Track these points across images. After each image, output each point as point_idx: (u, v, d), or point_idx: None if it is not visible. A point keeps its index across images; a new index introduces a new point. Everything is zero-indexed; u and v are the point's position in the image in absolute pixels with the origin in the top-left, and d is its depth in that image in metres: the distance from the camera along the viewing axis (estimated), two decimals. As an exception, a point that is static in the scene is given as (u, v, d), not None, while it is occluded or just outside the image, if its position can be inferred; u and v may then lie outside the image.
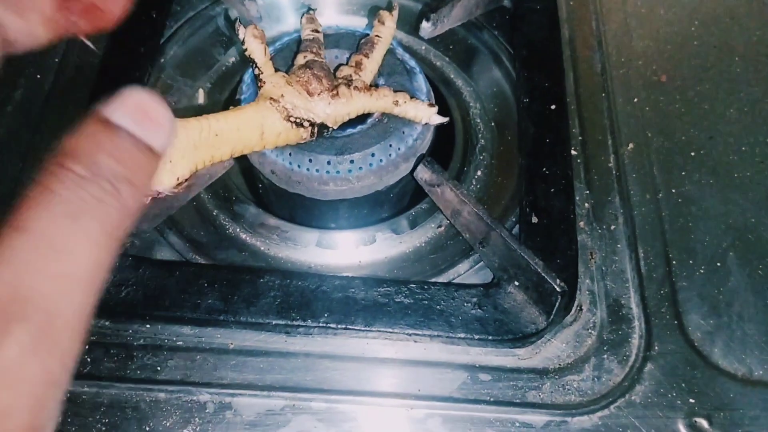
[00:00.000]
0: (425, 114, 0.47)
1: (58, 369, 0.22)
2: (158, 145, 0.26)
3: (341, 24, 0.59)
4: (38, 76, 0.53)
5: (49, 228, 0.22)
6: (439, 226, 0.50)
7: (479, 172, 0.53)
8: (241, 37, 0.45)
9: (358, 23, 0.60)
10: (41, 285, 0.22)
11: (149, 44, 0.54)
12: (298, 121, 0.43)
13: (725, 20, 0.61)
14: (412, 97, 0.48)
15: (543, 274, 0.42)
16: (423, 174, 0.48)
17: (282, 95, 0.42)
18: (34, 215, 0.22)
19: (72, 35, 0.32)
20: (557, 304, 0.42)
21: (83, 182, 0.23)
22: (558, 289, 0.41)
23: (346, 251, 0.49)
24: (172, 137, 0.27)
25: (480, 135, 0.54)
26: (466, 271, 0.48)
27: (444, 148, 0.54)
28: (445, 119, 0.48)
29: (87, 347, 0.43)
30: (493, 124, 0.55)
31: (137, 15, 0.54)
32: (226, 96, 0.55)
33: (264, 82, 0.43)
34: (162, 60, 0.56)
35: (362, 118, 0.49)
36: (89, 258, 0.23)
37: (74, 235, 0.23)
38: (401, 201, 0.52)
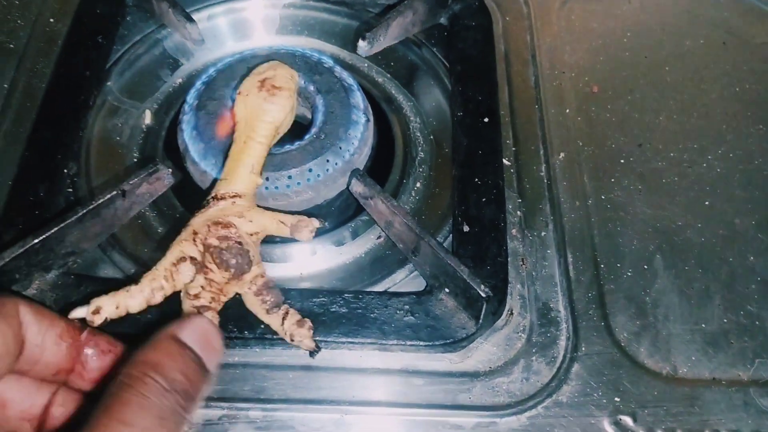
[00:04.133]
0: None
1: None
2: (212, 367, 0.34)
3: (277, 44, 0.61)
4: (-13, 101, 0.55)
5: (146, 425, 0.29)
6: (379, 237, 0.52)
7: (418, 184, 0.54)
8: None
9: (296, 42, 0.62)
10: None
11: (95, 68, 0.56)
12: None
13: (657, 31, 0.63)
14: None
15: (469, 281, 0.43)
16: (356, 187, 0.49)
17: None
18: (136, 413, 0.29)
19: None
20: (484, 309, 0.44)
21: (166, 393, 0.30)
22: (483, 294, 0.43)
23: (288, 264, 0.50)
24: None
25: (420, 148, 0.56)
26: (402, 280, 0.49)
27: (385, 161, 0.56)
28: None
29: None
30: (432, 137, 0.57)
31: (84, 40, 0.56)
32: (172, 116, 0.57)
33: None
34: (109, 83, 0.57)
35: (299, 134, 0.51)
36: None
37: (148, 420, 0.30)
38: (343, 214, 0.54)
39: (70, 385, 0.37)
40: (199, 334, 0.35)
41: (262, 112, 0.45)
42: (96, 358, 0.36)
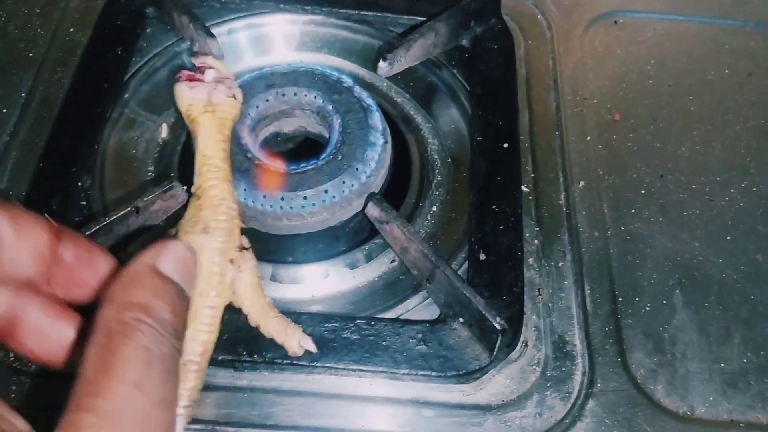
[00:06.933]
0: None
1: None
2: (190, 293, 0.31)
3: (297, 61, 0.61)
4: (4, 110, 0.55)
5: (155, 383, 0.26)
6: (393, 261, 0.51)
7: (434, 208, 0.54)
8: None
9: (316, 60, 0.61)
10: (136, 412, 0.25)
11: (114, 80, 0.55)
12: None
13: (681, 60, 0.62)
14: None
15: (484, 312, 0.43)
16: (372, 211, 0.49)
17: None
18: (144, 371, 0.25)
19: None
20: (498, 341, 0.43)
21: (164, 340, 0.27)
22: (498, 326, 0.42)
23: (299, 285, 0.50)
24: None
25: (437, 171, 0.56)
26: (415, 306, 0.48)
27: (401, 183, 0.55)
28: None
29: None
30: (449, 160, 0.56)
31: (103, 52, 0.56)
32: (188, 131, 0.56)
33: None
34: (126, 95, 0.57)
35: (315, 154, 0.51)
36: (165, 395, 0.26)
37: (155, 376, 0.26)
38: (358, 235, 0.53)
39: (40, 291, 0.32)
40: (180, 262, 0.31)
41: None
42: (73, 270, 0.32)
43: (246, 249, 0.42)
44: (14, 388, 0.43)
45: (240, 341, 0.43)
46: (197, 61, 0.46)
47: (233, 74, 0.47)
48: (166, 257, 0.30)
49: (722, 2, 0.67)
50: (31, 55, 0.58)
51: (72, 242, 0.31)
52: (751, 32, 0.65)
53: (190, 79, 0.45)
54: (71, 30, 0.60)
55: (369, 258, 0.51)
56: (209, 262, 0.39)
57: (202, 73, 0.45)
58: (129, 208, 0.45)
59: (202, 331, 0.38)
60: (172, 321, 0.28)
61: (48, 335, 0.31)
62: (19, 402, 0.43)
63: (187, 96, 0.44)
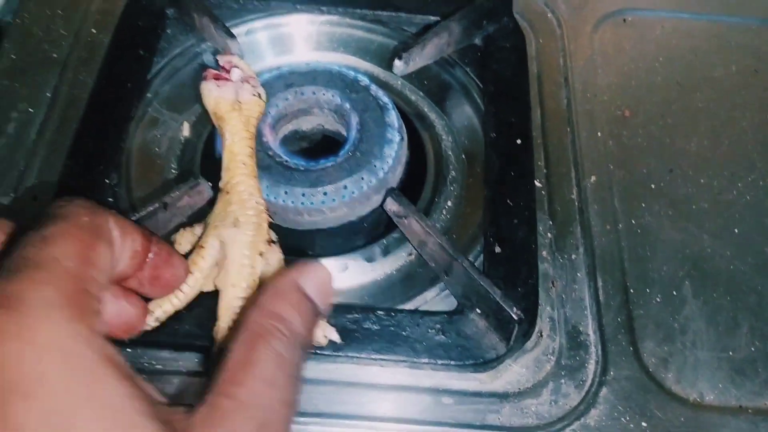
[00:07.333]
0: None
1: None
2: (323, 311, 0.35)
3: (314, 60, 0.62)
4: (30, 110, 0.56)
5: (283, 384, 0.30)
6: (410, 255, 0.52)
7: (449, 203, 0.55)
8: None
9: (332, 59, 0.63)
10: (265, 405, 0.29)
11: (136, 80, 0.57)
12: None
13: (688, 57, 0.64)
14: None
15: (501, 303, 0.44)
16: (391, 206, 0.50)
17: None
18: (276, 372, 0.30)
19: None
20: (515, 331, 0.44)
21: (295, 350, 0.31)
22: (515, 317, 0.44)
23: (319, 278, 0.51)
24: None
25: (451, 167, 0.57)
26: (433, 298, 0.50)
27: (417, 180, 0.56)
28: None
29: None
30: (463, 156, 0.58)
31: (126, 52, 0.58)
32: (210, 129, 0.58)
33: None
34: (149, 95, 0.58)
35: (335, 151, 0.52)
36: (288, 396, 0.30)
37: (283, 378, 0.30)
38: (375, 230, 0.54)
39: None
40: (319, 283, 0.35)
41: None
42: (156, 268, 0.35)
43: (273, 242, 0.43)
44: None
45: (265, 332, 0.45)
46: (222, 61, 0.47)
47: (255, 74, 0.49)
48: (308, 277, 0.34)
49: (728, 0, 0.68)
50: (54, 55, 0.59)
51: (157, 246, 0.35)
52: (757, 29, 0.66)
53: (217, 78, 0.47)
54: (93, 31, 0.61)
55: (386, 252, 0.52)
56: (240, 255, 0.41)
57: (228, 72, 0.47)
58: (157, 205, 0.47)
59: (235, 321, 0.40)
60: (303, 334, 0.32)
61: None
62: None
63: (214, 94, 0.46)
